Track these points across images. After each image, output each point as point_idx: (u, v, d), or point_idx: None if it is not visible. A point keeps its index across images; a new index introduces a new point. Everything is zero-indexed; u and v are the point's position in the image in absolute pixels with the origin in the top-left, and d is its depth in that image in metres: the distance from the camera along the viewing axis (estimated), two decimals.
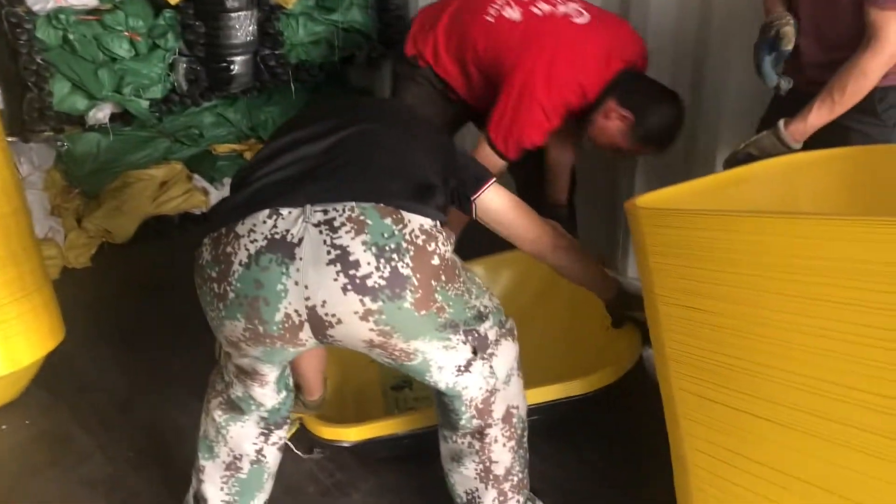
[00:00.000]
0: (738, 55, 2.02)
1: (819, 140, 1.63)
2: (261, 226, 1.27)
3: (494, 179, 1.55)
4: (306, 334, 1.30)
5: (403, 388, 2.19)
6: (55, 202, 3.26)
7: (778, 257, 0.99)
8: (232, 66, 3.27)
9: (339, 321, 1.26)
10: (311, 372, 1.79)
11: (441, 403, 1.52)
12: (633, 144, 2.10)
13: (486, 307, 1.46)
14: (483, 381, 1.45)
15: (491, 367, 1.46)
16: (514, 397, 1.53)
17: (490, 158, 2.07)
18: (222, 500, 1.62)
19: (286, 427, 1.63)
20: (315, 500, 1.88)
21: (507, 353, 1.49)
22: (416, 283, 1.26)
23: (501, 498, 1.54)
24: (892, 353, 0.91)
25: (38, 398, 2.33)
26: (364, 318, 1.25)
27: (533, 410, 1.67)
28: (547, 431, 1.98)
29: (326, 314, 1.25)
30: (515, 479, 1.56)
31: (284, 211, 1.27)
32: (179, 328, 2.54)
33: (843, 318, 0.95)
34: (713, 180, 1.48)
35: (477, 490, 1.54)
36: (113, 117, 3.21)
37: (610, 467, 1.92)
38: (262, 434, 1.59)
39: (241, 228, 1.28)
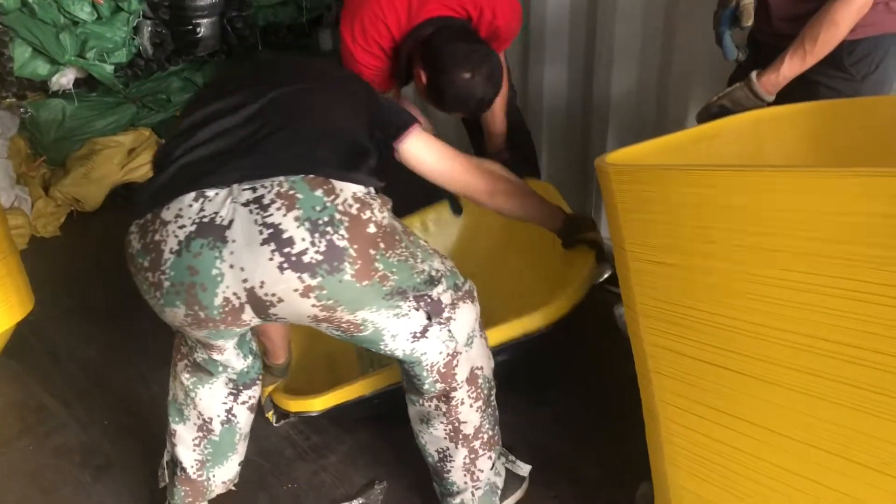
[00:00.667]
0: (710, 13, 2.01)
1: (789, 95, 1.63)
2: (187, 210, 1.23)
3: (417, 125, 1.49)
4: (248, 315, 1.28)
5: None
6: (20, 170, 3.20)
7: (745, 210, 0.99)
8: (198, 29, 3.21)
9: (280, 300, 1.24)
10: (276, 336, 1.78)
11: (403, 370, 1.51)
12: (431, 101, 2.02)
13: (437, 271, 1.43)
14: (442, 345, 1.44)
15: (449, 331, 1.44)
16: (478, 358, 1.52)
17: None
18: (195, 461, 1.62)
19: (256, 388, 1.63)
20: (292, 462, 1.89)
21: (465, 316, 1.47)
22: (354, 255, 1.24)
23: (472, 455, 1.55)
24: (861, 303, 0.91)
25: (8, 369, 2.31)
26: (305, 294, 1.23)
27: (501, 350, 1.68)
28: (521, 387, 2.01)
29: (266, 294, 1.23)
30: (485, 436, 1.56)
31: (210, 192, 1.23)
32: (139, 298, 2.52)
33: (812, 270, 0.95)
34: (683, 136, 1.48)
35: (447, 449, 1.55)
36: (77, 83, 3.15)
37: (583, 424, 1.94)
38: (231, 394, 1.59)
39: (167, 214, 1.24)
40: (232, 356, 1.52)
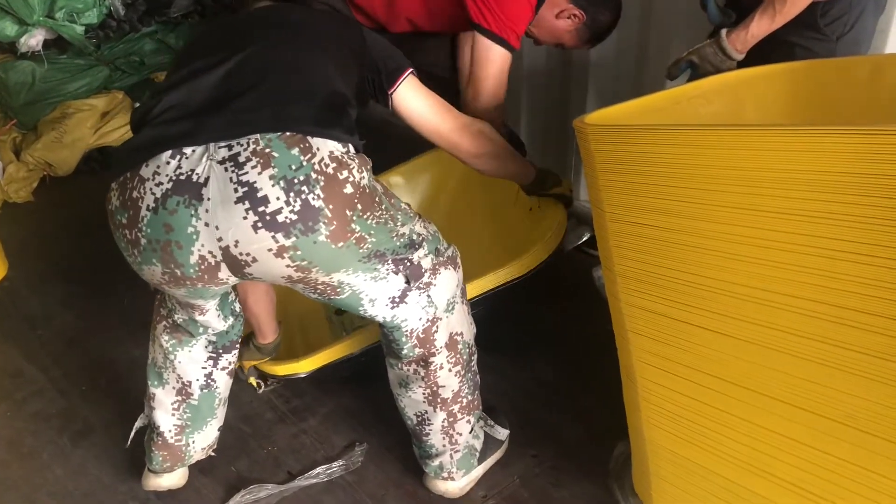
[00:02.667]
0: None
1: (765, 56, 1.63)
2: (164, 167, 1.21)
3: (411, 71, 1.47)
4: (225, 273, 1.26)
5: (346, 311, 2.18)
6: None
7: (723, 170, 0.99)
8: None
9: (255, 259, 1.23)
10: (263, 315, 1.76)
11: (383, 334, 1.52)
12: (577, 42, 2.05)
13: (418, 234, 1.42)
14: (422, 311, 1.44)
15: (429, 296, 1.44)
16: (458, 324, 1.52)
17: (490, 52, 1.89)
18: (174, 426, 1.62)
19: (235, 351, 1.63)
20: (272, 426, 1.90)
21: (446, 282, 1.47)
22: (330, 215, 1.22)
23: (451, 419, 1.56)
24: (834, 261, 0.92)
25: None
26: (279, 254, 1.22)
27: (475, 303, 1.69)
28: (502, 349, 2.03)
29: (241, 254, 1.22)
30: (465, 400, 1.57)
31: (188, 150, 1.21)
32: (126, 261, 2.50)
33: (787, 229, 0.96)
34: (662, 97, 1.47)
35: (426, 412, 1.56)
36: (47, 44, 3.07)
37: (563, 384, 1.96)
38: (211, 358, 1.59)
39: (146, 171, 1.23)
40: (213, 317, 1.51)
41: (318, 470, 1.74)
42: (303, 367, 1.80)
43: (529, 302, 2.14)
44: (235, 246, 1.21)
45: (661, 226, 1.11)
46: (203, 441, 1.67)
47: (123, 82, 3.39)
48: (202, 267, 1.24)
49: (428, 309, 1.44)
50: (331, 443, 1.84)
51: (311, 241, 1.22)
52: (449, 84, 2.35)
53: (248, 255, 1.22)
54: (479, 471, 1.67)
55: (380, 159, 1.45)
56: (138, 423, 1.70)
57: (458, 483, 1.64)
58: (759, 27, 1.61)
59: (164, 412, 1.61)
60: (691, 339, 1.14)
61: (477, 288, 1.75)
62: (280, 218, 1.19)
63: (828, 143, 0.88)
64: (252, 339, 1.80)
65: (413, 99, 1.51)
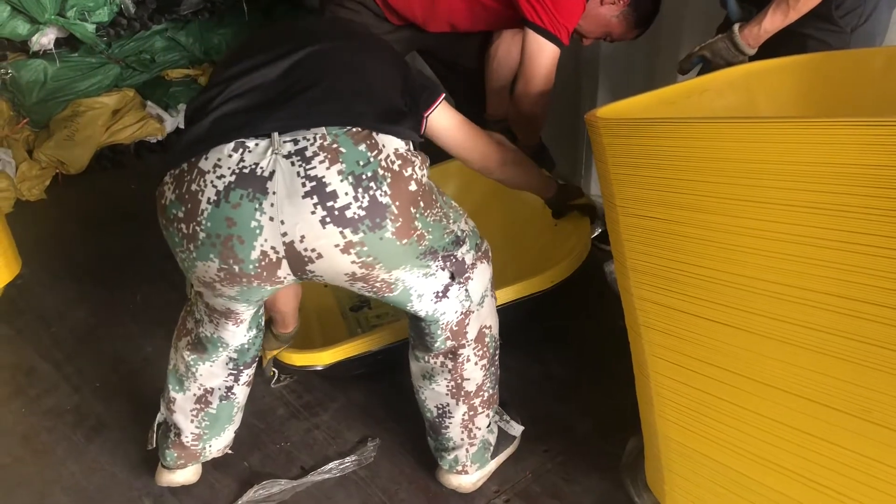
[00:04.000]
0: None
1: (779, 48, 1.62)
2: (226, 160, 1.20)
3: (445, 95, 1.49)
4: (284, 271, 1.25)
5: (362, 307, 2.20)
6: (3, 133, 3.15)
7: (736, 163, 0.99)
8: None
9: (320, 256, 1.22)
10: (288, 307, 1.76)
11: (417, 328, 1.51)
12: (626, 28, 2.04)
13: (462, 231, 1.43)
14: (459, 304, 1.44)
15: (467, 290, 1.44)
16: (487, 317, 1.53)
17: (543, 49, 1.92)
18: (192, 433, 1.62)
19: (254, 365, 1.62)
20: (285, 421, 1.91)
21: (482, 276, 1.48)
22: (396, 212, 1.23)
23: (472, 412, 1.57)
24: (847, 254, 0.92)
25: None
26: (345, 250, 1.22)
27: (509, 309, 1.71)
28: (514, 343, 2.02)
29: (306, 249, 1.21)
30: (486, 394, 1.58)
31: (251, 143, 1.21)
32: (139, 259, 2.51)
33: (800, 222, 0.95)
34: (674, 90, 1.46)
35: (448, 405, 1.56)
36: (58, 43, 3.09)
37: (574, 378, 1.96)
38: (232, 374, 1.58)
39: (205, 164, 1.21)
40: (243, 329, 1.50)
41: (331, 465, 1.74)
42: (322, 359, 1.81)
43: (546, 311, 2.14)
44: (301, 241, 1.20)
45: (673, 220, 1.10)
46: (220, 444, 1.68)
47: (134, 80, 3.40)
48: (262, 263, 1.23)
49: (465, 302, 1.45)
50: (343, 438, 1.84)
51: (377, 237, 1.22)
52: (474, 75, 2.36)
53: (313, 250, 1.21)
54: (492, 465, 1.68)
55: None
56: (158, 420, 1.69)
57: (471, 478, 1.64)
58: (773, 23, 1.60)
59: (184, 417, 1.61)
60: (704, 334, 1.14)
61: (508, 295, 1.78)
62: (349, 213, 1.19)
63: (841, 136, 0.88)
64: (271, 327, 1.79)
65: (448, 119, 1.51)
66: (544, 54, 1.91)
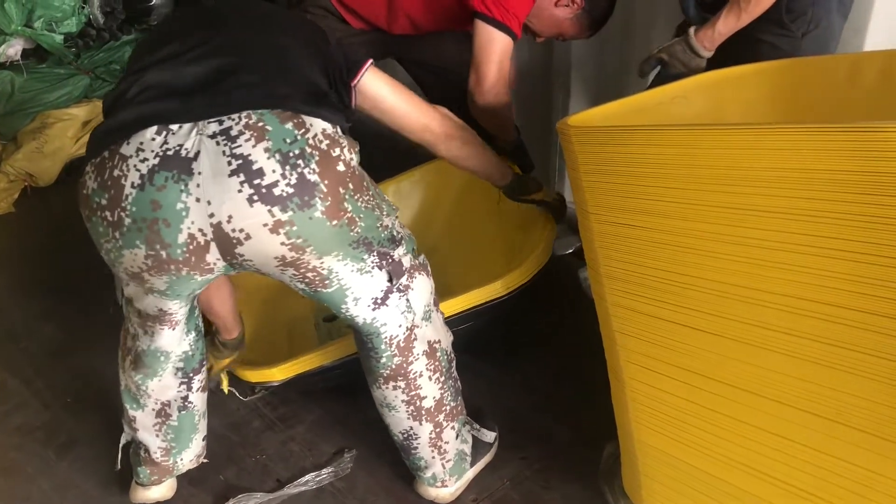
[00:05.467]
0: None
1: (733, 53, 1.66)
2: (149, 143, 1.17)
3: (372, 62, 1.45)
4: (213, 256, 1.22)
5: (335, 318, 2.17)
6: None
7: (706, 169, 1.00)
8: None
9: (248, 236, 1.19)
10: (224, 309, 1.71)
11: (361, 346, 1.48)
12: (578, 30, 2.04)
13: (398, 232, 1.41)
14: (401, 317, 1.42)
15: (408, 300, 1.42)
16: (435, 332, 1.50)
17: (494, 40, 1.87)
18: (159, 447, 1.60)
19: (204, 368, 1.59)
20: (260, 434, 1.89)
21: (422, 288, 1.45)
22: (325, 190, 1.20)
23: (438, 429, 1.55)
24: (821, 259, 0.93)
25: None
26: (274, 230, 1.18)
27: (468, 317, 1.71)
28: (490, 352, 2.03)
29: (234, 230, 1.18)
30: (448, 407, 1.56)
31: (174, 126, 1.17)
32: (110, 271, 2.47)
33: (773, 227, 0.96)
34: (645, 97, 1.48)
35: (412, 428, 1.54)
36: (26, 54, 3.06)
37: (551, 385, 1.96)
38: (183, 383, 1.54)
39: (127, 149, 1.17)
40: (179, 332, 1.46)
41: (308, 477, 1.73)
42: (274, 374, 1.77)
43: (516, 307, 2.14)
44: (228, 221, 1.17)
45: (645, 226, 1.11)
46: (190, 454, 1.65)
47: (104, 91, 3.36)
48: (190, 247, 1.19)
49: (407, 315, 1.43)
50: (319, 449, 1.83)
51: (307, 216, 1.19)
52: (457, 78, 2.33)
53: (241, 230, 1.18)
54: (469, 474, 1.67)
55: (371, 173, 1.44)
56: (123, 441, 1.67)
57: (449, 489, 1.63)
58: (726, 25, 1.64)
59: (148, 433, 1.58)
60: (679, 339, 1.15)
61: (463, 303, 1.76)
62: (276, 191, 1.16)
63: (811, 142, 0.89)
64: (216, 337, 1.75)
65: (379, 83, 1.46)
66: (495, 44, 1.87)
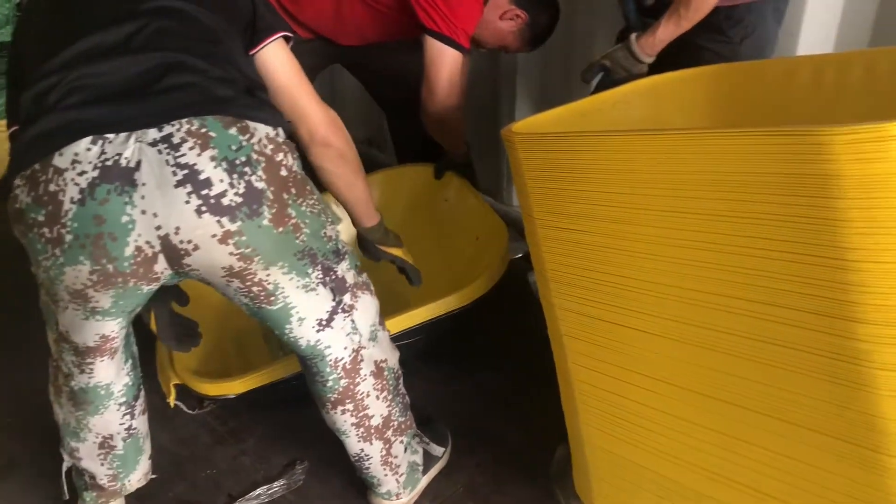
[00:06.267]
0: None
1: (677, 59, 1.70)
2: (85, 154, 1.10)
3: (284, 34, 1.35)
4: (161, 266, 1.18)
5: None
6: None
7: (645, 174, 1.01)
8: None
9: (196, 247, 1.15)
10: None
11: (306, 369, 1.45)
12: (520, 44, 2.09)
13: (343, 246, 1.39)
14: (347, 339, 1.39)
15: (353, 321, 1.40)
16: (382, 352, 1.48)
17: (444, 54, 1.89)
18: (106, 475, 1.54)
19: (143, 392, 1.53)
20: (210, 448, 1.86)
21: (367, 307, 1.43)
22: (272, 197, 1.17)
23: (387, 446, 1.54)
24: (755, 259, 0.95)
25: None
26: (223, 240, 1.15)
27: (416, 331, 1.71)
28: (442, 358, 2.03)
29: (181, 241, 1.14)
30: (396, 423, 1.54)
31: (110, 135, 1.11)
32: (33, 288, 2.40)
33: (706, 229, 0.99)
34: (587, 103, 1.50)
35: (363, 450, 1.52)
36: None
37: (504, 390, 1.97)
38: (127, 414, 1.48)
39: (61, 161, 1.11)
40: (117, 363, 1.40)
41: (259, 491, 1.70)
42: (234, 388, 1.73)
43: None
44: (176, 233, 1.14)
45: (588, 230, 1.13)
46: (138, 475, 1.60)
47: None
48: (138, 259, 1.15)
49: (353, 336, 1.41)
50: (271, 462, 1.80)
51: (255, 224, 1.17)
52: (406, 86, 2.28)
53: (189, 242, 1.15)
54: (423, 483, 1.67)
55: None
56: (65, 467, 1.61)
57: (402, 501, 1.63)
58: (666, 32, 1.68)
59: (92, 462, 1.52)
60: (623, 341, 1.16)
61: (416, 318, 1.76)
62: (225, 201, 1.13)
63: (745, 146, 0.91)
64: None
65: (283, 58, 1.35)
66: (445, 59, 1.91)
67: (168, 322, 1.62)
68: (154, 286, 1.25)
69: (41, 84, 1.18)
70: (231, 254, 1.18)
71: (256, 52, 1.32)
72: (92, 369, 1.38)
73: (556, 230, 1.18)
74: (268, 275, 1.25)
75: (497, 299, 1.90)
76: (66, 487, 1.63)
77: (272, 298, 1.29)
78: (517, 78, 2.63)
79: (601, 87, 1.83)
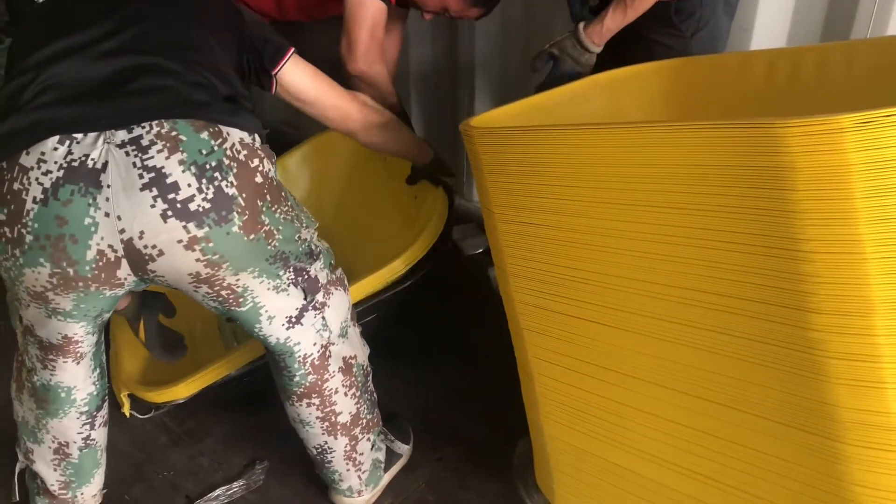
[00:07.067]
0: None
1: (629, 53, 1.71)
2: (51, 154, 1.08)
3: (294, 51, 1.41)
4: (124, 272, 1.15)
5: None
6: None
7: (602, 167, 1.02)
8: None
9: (161, 253, 1.13)
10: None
11: (274, 363, 1.43)
12: (462, 7, 1.96)
13: (316, 245, 1.38)
14: (316, 335, 1.38)
15: (324, 318, 1.38)
16: (351, 348, 1.47)
17: (364, 3, 1.82)
18: (58, 480, 1.49)
19: (106, 404, 1.49)
20: (167, 449, 1.82)
21: (339, 304, 1.42)
22: (243, 204, 1.15)
23: (353, 443, 1.52)
24: (713, 251, 0.96)
25: None
26: (189, 246, 1.13)
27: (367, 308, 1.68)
28: (405, 354, 2.02)
29: (146, 246, 1.12)
30: (364, 421, 1.53)
31: (78, 135, 1.09)
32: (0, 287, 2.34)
33: (667, 222, 0.99)
34: (545, 97, 1.50)
35: (326, 443, 1.50)
36: None
37: (466, 385, 1.97)
38: (87, 424, 1.44)
39: (28, 160, 1.09)
40: (84, 371, 1.37)
41: (218, 492, 1.68)
42: (179, 392, 1.69)
43: (428, 304, 2.14)
44: (140, 238, 1.11)
45: (547, 224, 1.12)
46: (91, 490, 1.55)
47: None
48: (100, 264, 1.12)
49: (322, 333, 1.39)
50: (230, 462, 1.78)
51: (224, 231, 1.14)
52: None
53: (154, 247, 1.12)
54: (385, 480, 1.66)
55: None
56: (18, 469, 1.57)
57: (364, 497, 1.61)
58: (613, 21, 1.69)
59: (45, 466, 1.48)
60: (581, 333, 1.17)
61: (363, 290, 1.69)
62: (192, 206, 1.11)
63: (701, 138, 0.91)
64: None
65: (299, 75, 1.44)
66: (366, 9, 1.82)
67: (156, 332, 1.61)
68: (118, 292, 1.22)
69: (16, 82, 1.16)
70: (198, 260, 1.16)
71: (277, 72, 1.40)
72: (55, 366, 1.35)
73: (514, 224, 1.17)
74: (237, 279, 1.23)
75: (458, 293, 1.89)
76: (17, 489, 1.59)
77: (241, 300, 1.27)
78: (476, 70, 2.62)
79: (550, 76, 1.83)
